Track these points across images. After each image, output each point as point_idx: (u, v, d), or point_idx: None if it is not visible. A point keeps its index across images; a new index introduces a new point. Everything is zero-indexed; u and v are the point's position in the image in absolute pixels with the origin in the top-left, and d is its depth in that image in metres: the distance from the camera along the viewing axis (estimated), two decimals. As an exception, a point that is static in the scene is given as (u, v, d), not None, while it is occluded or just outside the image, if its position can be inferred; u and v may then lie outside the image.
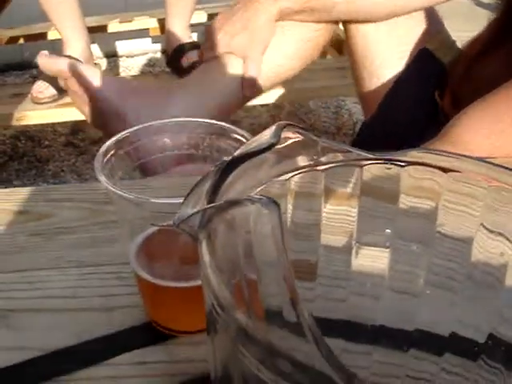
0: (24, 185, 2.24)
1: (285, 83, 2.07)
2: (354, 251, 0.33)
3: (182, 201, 0.42)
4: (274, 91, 2.09)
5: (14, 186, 2.23)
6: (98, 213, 0.66)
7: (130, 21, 2.89)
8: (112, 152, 0.47)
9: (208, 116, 0.94)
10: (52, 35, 2.56)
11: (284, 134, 0.26)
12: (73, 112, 2.00)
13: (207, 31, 1.05)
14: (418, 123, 1.05)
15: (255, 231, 0.22)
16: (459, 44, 1.14)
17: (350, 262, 0.33)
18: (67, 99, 2.02)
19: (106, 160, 0.46)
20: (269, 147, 0.25)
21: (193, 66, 2.06)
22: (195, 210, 0.23)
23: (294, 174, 0.28)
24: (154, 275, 0.46)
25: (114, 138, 0.47)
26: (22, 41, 2.82)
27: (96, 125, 1.00)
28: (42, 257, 0.60)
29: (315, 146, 0.28)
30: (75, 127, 2.56)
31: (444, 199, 0.29)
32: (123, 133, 0.47)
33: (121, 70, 3.36)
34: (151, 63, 3.41)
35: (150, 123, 0.48)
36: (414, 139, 0.84)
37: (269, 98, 2.12)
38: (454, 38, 1.14)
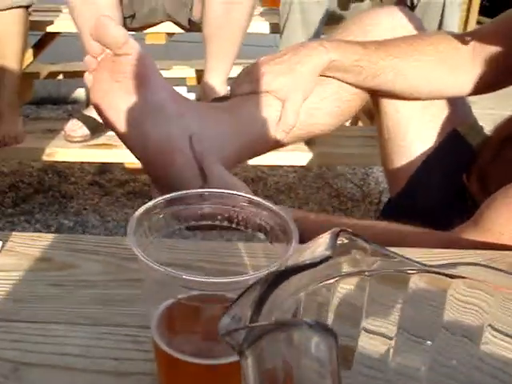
0: (46, 219, 2.24)
1: (314, 146, 2.09)
2: (390, 353, 0.31)
3: (212, 280, 0.41)
4: (301, 153, 2.10)
5: (36, 220, 2.24)
6: (121, 269, 0.65)
7: (169, 69, 2.93)
8: (147, 216, 0.46)
9: (232, 148, 0.93)
10: (91, 75, 2.59)
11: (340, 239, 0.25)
12: (103, 153, 2.02)
13: (250, 67, 1.01)
14: (446, 204, 1.04)
15: (305, 355, 0.20)
16: (484, 122, 1.15)
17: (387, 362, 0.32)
18: (99, 140, 2.05)
19: (139, 223, 0.45)
20: (324, 260, 0.24)
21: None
22: (241, 324, 0.22)
23: (340, 277, 0.27)
24: (174, 347, 0.45)
25: (150, 203, 0.46)
26: (60, 76, 2.87)
27: (131, 117, 0.87)
28: (60, 310, 0.59)
29: (364, 251, 0.27)
30: (103, 167, 2.58)
31: (491, 319, 0.28)
32: (160, 198, 0.47)
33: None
34: (184, 111, 3.45)
35: (187, 191, 0.47)
36: (442, 220, 0.84)
37: (296, 159, 2.12)
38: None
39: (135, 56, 0.85)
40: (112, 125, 0.87)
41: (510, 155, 1.00)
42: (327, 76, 0.99)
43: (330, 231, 0.25)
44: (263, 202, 0.46)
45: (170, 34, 2.33)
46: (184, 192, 0.48)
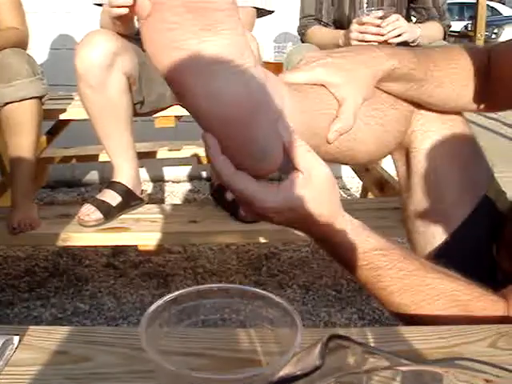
0: (61, 303, 2.25)
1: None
2: None
3: (217, 377, 0.43)
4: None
5: (52, 304, 2.25)
6: (134, 360, 0.66)
7: (179, 149, 3.00)
8: (159, 313, 0.48)
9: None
10: (103, 157, 2.66)
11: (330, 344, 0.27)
12: (116, 236, 2.05)
13: (309, 56, 0.91)
14: (476, 276, 0.99)
15: None
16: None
17: None
18: (112, 223, 2.08)
19: (152, 319, 0.47)
20: (314, 370, 0.25)
21: (236, 201, 2.10)
22: None
23: (336, 376, 0.28)
24: None
25: (161, 300, 0.48)
26: (74, 161, 2.94)
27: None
28: (76, 404, 0.60)
29: (359, 352, 0.28)
30: (117, 249, 2.61)
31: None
32: (171, 295, 0.49)
33: (166, 194, 3.45)
34: (196, 189, 3.51)
35: (196, 287, 0.49)
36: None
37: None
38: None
39: None
40: (174, 68, 0.67)
41: None
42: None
43: (321, 340, 0.27)
44: (268, 294, 0.48)
45: (178, 117, 2.39)
46: (195, 288, 0.50)
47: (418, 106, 1.03)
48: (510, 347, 0.70)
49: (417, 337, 0.72)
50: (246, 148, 0.72)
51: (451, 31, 5.99)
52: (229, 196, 2.11)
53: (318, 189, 0.76)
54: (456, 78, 1.01)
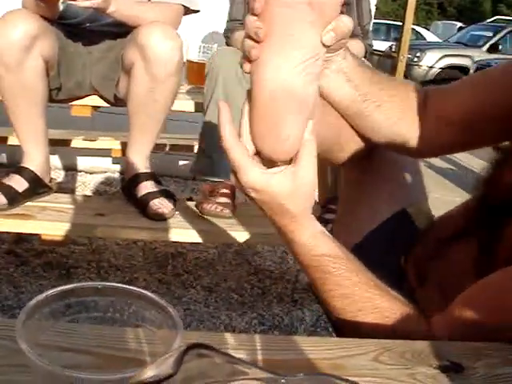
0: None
1: (236, 225, 2.12)
2: None
3: (95, 376, 0.42)
4: (223, 230, 2.12)
5: None
6: (14, 353, 0.64)
7: (94, 140, 2.95)
8: (40, 306, 0.47)
9: None
10: (12, 140, 2.59)
11: (191, 352, 0.27)
12: (19, 224, 1.99)
13: None
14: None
15: None
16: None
17: None
18: (16, 210, 2.02)
19: (30, 317, 0.46)
20: (167, 377, 0.25)
21: (145, 197, 2.09)
22: None
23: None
24: None
25: (44, 294, 0.47)
26: (-19, 141, 2.84)
27: None
28: None
29: (221, 361, 0.29)
30: (20, 236, 2.53)
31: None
32: (55, 289, 0.48)
33: (77, 184, 3.38)
34: (108, 182, 3.45)
35: (84, 284, 0.48)
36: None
37: (217, 236, 2.14)
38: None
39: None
40: (270, 38, 0.78)
41: (452, 255, 1.02)
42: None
43: (179, 349, 0.27)
44: (153, 296, 0.48)
45: (95, 107, 2.35)
46: (80, 284, 0.49)
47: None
48: (392, 362, 0.73)
49: (307, 347, 0.74)
50: (278, 128, 0.81)
51: (376, 50, 6.14)
52: (138, 192, 2.09)
53: (298, 186, 0.83)
54: (395, 105, 1.05)
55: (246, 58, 0.80)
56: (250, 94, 0.83)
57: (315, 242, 0.87)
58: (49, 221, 2.01)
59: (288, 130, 0.82)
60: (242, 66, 0.83)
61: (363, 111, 1.04)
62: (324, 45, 0.81)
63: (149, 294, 0.48)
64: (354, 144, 1.11)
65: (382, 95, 1.04)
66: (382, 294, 0.88)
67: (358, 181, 1.19)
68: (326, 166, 1.26)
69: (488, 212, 0.98)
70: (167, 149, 3.01)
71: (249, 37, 0.79)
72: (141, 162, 2.11)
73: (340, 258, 0.87)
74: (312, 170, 0.84)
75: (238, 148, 0.83)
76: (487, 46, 10.70)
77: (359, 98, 1.02)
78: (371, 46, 2.49)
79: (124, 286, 0.49)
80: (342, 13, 0.84)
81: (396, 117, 1.05)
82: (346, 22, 0.82)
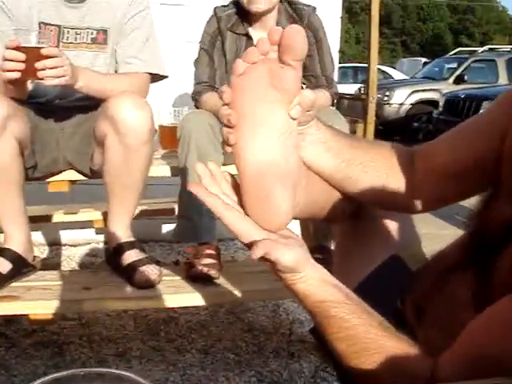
0: None
1: (225, 284, 2.11)
2: None
3: None
4: (213, 291, 2.11)
5: None
6: None
7: (75, 212, 2.94)
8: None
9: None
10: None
11: None
12: (6, 306, 1.97)
13: None
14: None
15: None
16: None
17: None
18: (2, 292, 2.00)
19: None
20: None
21: (131, 266, 2.08)
22: None
23: None
24: None
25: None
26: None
27: None
28: None
29: None
30: (8, 317, 2.49)
31: None
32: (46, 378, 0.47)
33: (62, 258, 3.36)
34: (93, 253, 3.43)
35: (74, 371, 0.48)
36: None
37: (208, 298, 2.12)
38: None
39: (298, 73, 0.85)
40: (243, 123, 0.86)
41: (449, 289, 1.03)
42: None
43: None
44: (132, 376, 0.48)
45: (73, 181, 2.35)
46: (70, 371, 0.49)
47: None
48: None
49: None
50: (267, 201, 0.87)
51: (345, 94, 6.21)
52: (123, 261, 2.08)
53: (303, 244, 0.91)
54: (380, 165, 1.08)
55: (226, 142, 0.87)
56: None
57: (315, 289, 0.90)
58: (36, 300, 1.98)
59: (278, 202, 0.87)
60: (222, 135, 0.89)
61: (349, 176, 1.08)
62: (293, 118, 0.87)
63: (137, 378, 0.48)
64: (343, 204, 1.14)
65: (366, 157, 1.08)
66: (385, 334, 0.90)
67: (350, 234, 1.22)
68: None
69: (481, 246, 1.00)
70: (149, 214, 3.00)
71: (224, 124, 0.87)
72: (123, 231, 2.11)
73: (341, 302, 0.90)
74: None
75: (260, 234, 0.87)
76: (453, 77, 10.88)
77: (343, 165, 1.06)
78: (337, 93, 2.53)
79: (111, 371, 0.49)
80: (303, 85, 0.91)
81: (384, 176, 1.08)
82: (309, 95, 0.88)
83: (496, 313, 0.83)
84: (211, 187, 0.88)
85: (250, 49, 0.86)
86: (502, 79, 10.77)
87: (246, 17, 2.43)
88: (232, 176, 0.94)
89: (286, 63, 0.84)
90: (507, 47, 14.01)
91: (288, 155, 0.87)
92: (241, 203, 0.90)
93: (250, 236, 0.86)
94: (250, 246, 0.86)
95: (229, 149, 0.88)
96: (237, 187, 0.92)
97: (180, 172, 2.22)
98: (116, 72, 2.22)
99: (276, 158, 0.86)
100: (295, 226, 2.42)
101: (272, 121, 0.86)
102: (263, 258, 0.84)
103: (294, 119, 0.88)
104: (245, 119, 0.86)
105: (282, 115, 0.86)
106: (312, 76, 2.47)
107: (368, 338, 0.89)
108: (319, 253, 2.08)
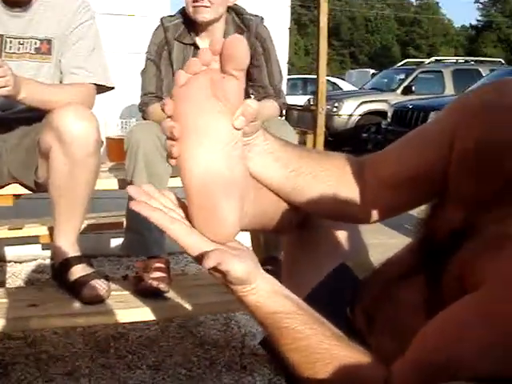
0: None
1: (175, 298, 2.09)
2: None
3: None
4: (163, 306, 2.08)
5: None
6: None
7: (20, 228, 2.87)
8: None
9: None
10: None
11: None
12: None
13: None
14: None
15: None
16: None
17: None
18: None
19: None
20: None
21: (78, 281, 2.03)
22: None
23: None
24: None
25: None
26: None
27: None
28: None
29: None
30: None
31: None
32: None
33: (7, 275, 3.28)
34: (40, 269, 3.36)
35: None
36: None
37: (158, 313, 2.10)
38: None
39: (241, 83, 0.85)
40: (186, 134, 0.85)
41: (400, 294, 1.04)
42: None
43: None
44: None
45: (17, 195, 2.29)
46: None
47: None
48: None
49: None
50: (214, 213, 0.86)
51: (294, 105, 6.25)
52: (70, 277, 2.03)
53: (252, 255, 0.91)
54: (331, 173, 1.08)
55: (170, 155, 0.86)
56: None
57: (266, 301, 0.89)
58: (-22, 319, 1.92)
59: (224, 213, 0.87)
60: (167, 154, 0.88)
61: (298, 186, 1.07)
62: (237, 128, 0.86)
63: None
64: (291, 215, 1.14)
65: (316, 167, 1.08)
66: (338, 343, 0.89)
67: (298, 244, 1.22)
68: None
69: (430, 252, 1.01)
70: (96, 228, 2.95)
71: (167, 137, 0.86)
72: (69, 246, 2.07)
73: (293, 313, 0.90)
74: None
75: (209, 246, 0.86)
76: (401, 88, 11.05)
77: (292, 174, 1.06)
78: (285, 104, 2.53)
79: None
80: (251, 95, 0.91)
81: (334, 185, 1.08)
82: (253, 105, 0.87)
83: (451, 315, 0.84)
84: (153, 203, 0.86)
85: (191, 59, 0.85)
86: (449, 90, 10.99)
87: (193, 26, 2.43)
88: (173, 193, 0.93)
89: (228, 73, 0.83)
90: (453, 58, 14.38)
91: (233, 166, 0.87)
92: (187, 217, 0.89)
93: (199, 248, 0.85)
94: (199, 258, 0.84)
95: (173, 161, 0.87)
96: (181, 203, 0.91)
97: (128, 185, 2.19)
98: (61, 83, 2.18)
99: (221, 169, 0.85)
100: (245, 238, 2.42)
101: (215, 132, 0.85)
102: (214, 269, 0.83)
103: (239, 129, 0.87)
104: (188, 131, 0.85)
105: (226, 126, 0.85)
106: (260, 86, 2.48)
107: (321, 348, 0.89)
108: (270, 264, 2.08)
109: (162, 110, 0.86)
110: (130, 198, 0.86)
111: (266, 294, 0.89)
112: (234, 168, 0.87)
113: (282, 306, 0.90)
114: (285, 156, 1.05)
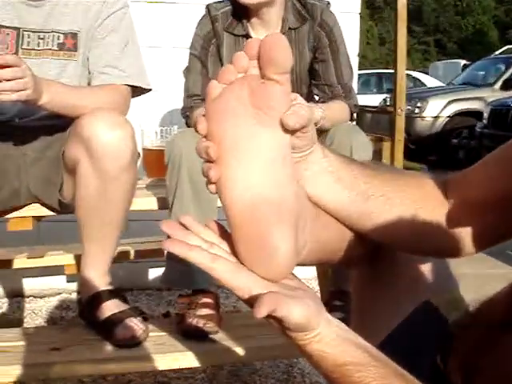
0: None
1: (227, 342, 2.10)
2: None
3: None
4: (210, 351, 2.10)
5: None
6: None
7: (42, 256, 2.93)
8: None
9: None
10: None
11: None
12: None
13: None
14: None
15: None
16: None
17: None
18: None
19: None
20: None
21: (110, 320, 2.07)
22: None
23: None
24: None
25: None
26: None
27: None
28: None
29: None
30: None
31: None
32: None
33: (26, 313, 3.35)
34: (64, 306, 3.42)
35: None
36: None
37: (205, 359, 2.11)
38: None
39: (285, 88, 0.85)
40: (225, 154, 0.86)
41: (502, 351, 1.01)
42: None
43: None
44: None
45: (38, 218, 2.35)
46: None
47: None
48: None
49: None
50: (263, 244, 0.86)
51: (367, 107, 6.23)
52: (100, 315, 2.07)
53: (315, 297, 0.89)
54: (407, 196, 1.07)
55: (208, 180, 0.87)
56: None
57: (333, 350, 0.88)
58: (-9, 366, 1.97)
59: (275, 244, 0.86)
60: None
61: (368, 210, 1.06)
62: (287, 130, 0.86)
63: None
64: (360, 246, 1.13)
65: (388, 188, 1.07)
66: None
67: (370, 278, 1.21)
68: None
69: None
70: (132, 256, 2.99)
71: (204, 159, 0.87)
72: (99, 277, 2.10)
73: (366, 365, 0.88)
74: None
75: (261, 286, 0.86)
76: (500, 82, 10.88)
77: (359, 197, 1.05)
78: (357, 105, 2.53)
79: None
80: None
81: (412, 211, 1.07)
82: (302, 111, 0.87)
83: None
84: (190, 239, 0.87)
85: (224, 67, 0.86)
86: (562, 83, 10.77)
87: (245, 14, 2.45)
88: (217, 222, 0.93)
89: (269, 78, 0.84)
90: None
91: (283, 187, 0.87)
92: (233, 251, 0.89)
93: (249, 290, 0.85)
94: (249, 301, 0.85)
95: (212, 187, 0.88)
96: (226, 234, 0.91)
97: (169, 204, 2.23)
98: (89, 84, 2.23)
99: (267, 191, 0.86)
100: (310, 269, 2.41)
101: (257, 147, 0.86)
102: (268, 316, 0.83)
103: (290, 133, 0.87)
104: (226, 150, 0.86)
105: (270, 140, 0.86)
106: (326, 85, 2.49)
107: None
108: (338, 299, 2.08)
109: (195, 129, 0.88)
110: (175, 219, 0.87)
111: (333, 342, 0.88)
112: (284, 189, 0.87)
113: (352, 357, 0.89)
114: (348, 176, 1.05)
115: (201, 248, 0.85)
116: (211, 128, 0.86)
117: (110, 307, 2.09)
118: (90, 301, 2.12)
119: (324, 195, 1.04)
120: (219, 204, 2.14)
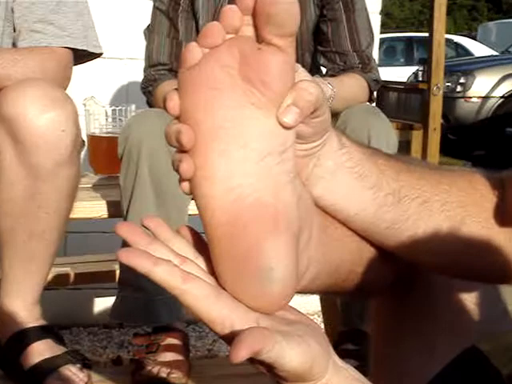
0: None
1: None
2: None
3: None
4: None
5: None
6: None
7: None
8: None
9: None
10: None
11: None
12: None
13: None
14: None
15: None
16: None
17: None
18: None
19: None
20: None
21: (39, 369, 2.05)
22: None
23: None
24: None
25: None
26: None
27: None
28: None
29: None
30: None
31: None
32: None
33: None
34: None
35: None
36: None
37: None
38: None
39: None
40: (202, 143, 0.82)
41: None
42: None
43: None
44: None
45: None
46: None
47: None
48: None
49: None
50: (252, 261, 0.83)
51: (391, 82, 6.23)
52: (26, 361, 2.06)
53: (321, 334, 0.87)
54: (451, 199, 1.06)
55: (180, 175, 0.84)
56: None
57: None
58: None
59: (267, 263, 0.83)
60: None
61: (402, 217, 1.05)
62: (286, 128, 0.83)
63: None
64: (384, 267, 1.12)
65: (425, 187, 1.06)
66: None
67: (396, 312, 1.22)
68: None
69: None
70: (71, 281, 2.99)
71: (175, 148, 0.84)
72: (26, 310, 2.09)
73: None
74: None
75: (246, 318, 0.83)
76: None
77: (388, 200, 1.03)
78: (378, 81, 2.51)
79: None
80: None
81: (459, 215, 1.06)
82: (311, 89, 0.84)
83: None
84: (156, 249, 0.82)
85: (208, 25, 0.82)
86: None
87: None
88: (191, 229, 0.90)
89: (268, 42, 0.81)
90: None
91: (279, 188, 0.84)
92: (211, 270, 0.86)
93: (230, 323, 0.81)
94: (228, 338, 0.81)
95: (185, 185, 0.85)
96: (203, 246, 0.88)
97: (123, 210, 2.22)
98: (14, 46, 2.22)
99: (257, 194, 0.83)
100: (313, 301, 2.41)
101: (248, 136, 0.83)
102: (254, 360, 0.79)
103: (289, 128, 0.84)
104: (204, 137, 0.82)
105: (265, 126, 0.83)
106: (337, 53, 2.49)
107: None
108: (352, 342, 2.07)
109: (164, 106, 0.84)
110: (124, 243, 0.84)
111: None
112: (281, 191, 0.84)
113: None
114: (374, 171, 1.03)
115: (170, 263, 0.80)
116: (185, 106, 0.83)
117: (40, 350, 2.08)
118: (11, 342, 2.11)
119: (340, 199, 1.02)
120: (192, 210, 2.15)
